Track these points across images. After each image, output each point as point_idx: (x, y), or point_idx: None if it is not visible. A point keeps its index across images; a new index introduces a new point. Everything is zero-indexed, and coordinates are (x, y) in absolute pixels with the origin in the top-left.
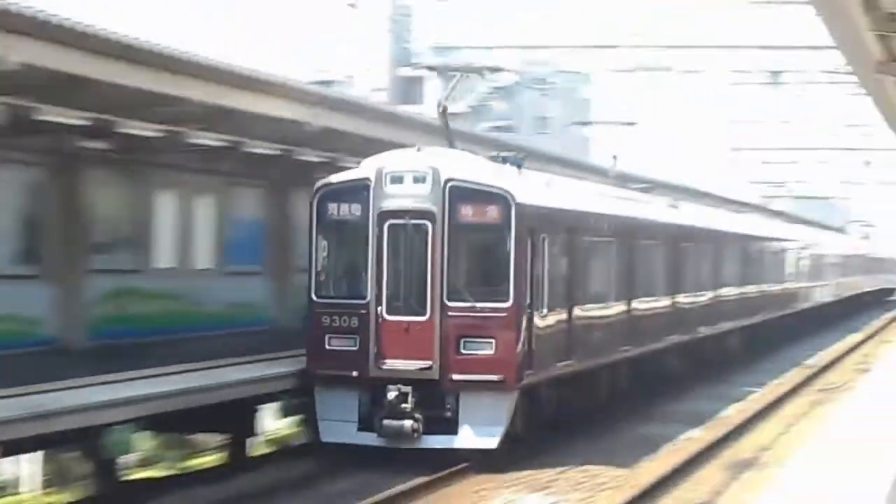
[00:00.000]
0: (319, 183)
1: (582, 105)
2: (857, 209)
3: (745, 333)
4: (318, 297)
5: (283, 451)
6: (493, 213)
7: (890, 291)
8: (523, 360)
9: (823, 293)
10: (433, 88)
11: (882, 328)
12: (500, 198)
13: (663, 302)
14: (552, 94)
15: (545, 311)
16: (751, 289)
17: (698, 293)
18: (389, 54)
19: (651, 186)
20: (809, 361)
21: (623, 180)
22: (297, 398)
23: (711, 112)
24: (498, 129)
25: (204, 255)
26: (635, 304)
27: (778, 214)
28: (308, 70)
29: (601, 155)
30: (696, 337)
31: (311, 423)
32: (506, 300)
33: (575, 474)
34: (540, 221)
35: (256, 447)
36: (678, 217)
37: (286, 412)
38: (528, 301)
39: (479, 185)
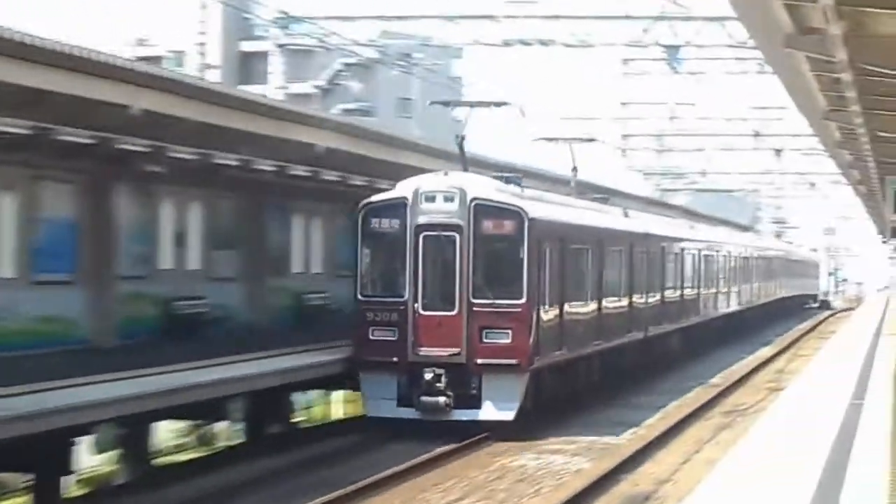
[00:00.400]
0: (364, 202)
1: (452, 84)
2: (769, 204)
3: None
4: (363, 296)
5: (104, 491)
6: (509, 226)
7: (812, 298)
8: (533, 347)
9: (726, 302)
10: (278, 65)
11: (797, 340)
12: (515, 214)
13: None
14: (417, 71)
15: (547, 307)
16: (637, 300)
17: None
18: (223, 26)
19: (606, 197)
20: (714, 380)
21: (582, 189)
22: (118, 429)
23: (601, 94)
24: (351, 112)
25: (4, 263)
26: (604, 302)
27: (673, 210)
28: (125, 43)
29: (475, 143)
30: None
31: (129, 458)
32: (520, 298)
33: None
34: (544, 232)
35: (72, 488)
36: (632, 224)
37: (101, 447)
38: (537, 299)
39: (498, 203)
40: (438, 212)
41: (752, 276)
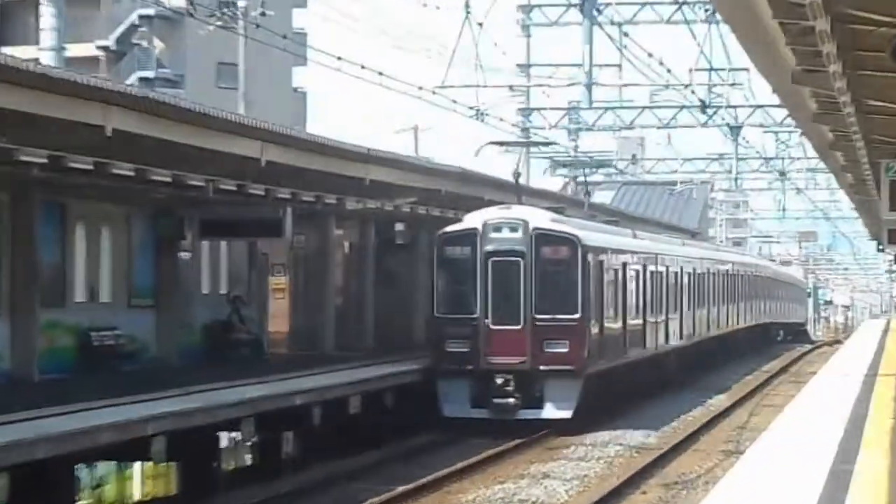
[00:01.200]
0: (440, 231)
1: (292, 42)
2: (725, 201)
3: None
4: (438, 313)
5: None
6: (565, 251)
7: (790, 328)
8: (587, 355)
9: (659, 336)
10: (51, 18)
11: (764, 384)
12: (570, 241)
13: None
14: (243, 26)
15: (594, 321)
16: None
17: None
18: None
19: (617, 220)
20: (651, 440)
21: (594, 211)
22: None
23: (493, 54)
24: (151, 82)
25: None
26: (628, 318)
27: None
28: None
29: (322, 119)
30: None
31: None
32: (576, 313)
33: None
34: (591, 255)
35: None
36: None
37: None
38: (589, 314)
39: (555, 232)
40: (504, 240)
41: (688, 301)
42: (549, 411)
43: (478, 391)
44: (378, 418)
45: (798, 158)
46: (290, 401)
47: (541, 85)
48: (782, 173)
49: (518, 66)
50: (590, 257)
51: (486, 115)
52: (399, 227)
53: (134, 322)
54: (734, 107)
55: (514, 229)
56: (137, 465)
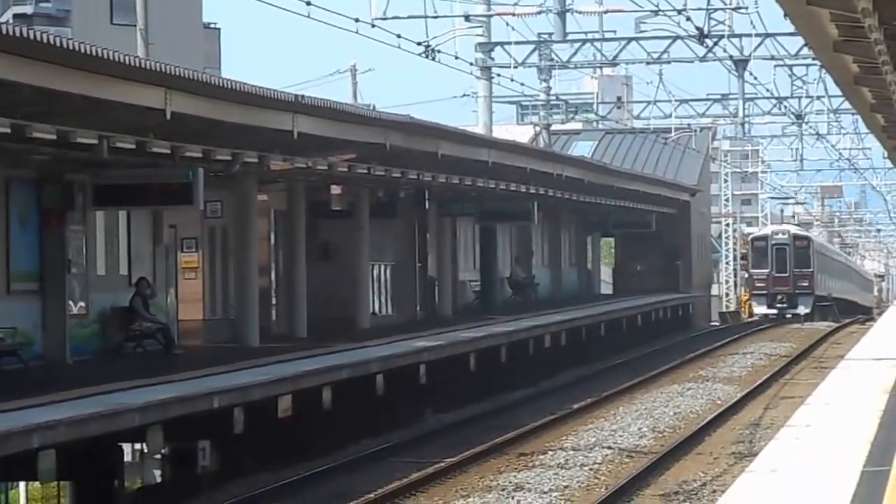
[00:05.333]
0: (752, 236)
1: None
2: (729, 151)
3: None
4: (752, 269)
5: None
6: (805, 243)
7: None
8: (815, 287)
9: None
10: None
11: (780, 371)
12: (808, 238)
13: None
14: None
15: (816, 273)
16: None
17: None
18: None
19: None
20: (645, 441)
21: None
22: None
23: None
24: (30, 18)
25: None
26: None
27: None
28: None
29: (240, 61)
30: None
31: None
32: (810, 269)
33: None
34: (814, 244)
35: None
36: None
37: None
38: (815, 269)
39: (801, 235)
40: (780, 240)
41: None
42: (800, 309)
43: (769, 301)
44: (321, 422)
45: (818, 98)
46: (206, 403)
47: (504, 14)
48: (799, 116)
49: None
50: (815, 245)
51: (438, 51)
52: (335, 189)
53: (14, 311)
54: (738, 36)
55: (784, 234)
56: (22, 486)
